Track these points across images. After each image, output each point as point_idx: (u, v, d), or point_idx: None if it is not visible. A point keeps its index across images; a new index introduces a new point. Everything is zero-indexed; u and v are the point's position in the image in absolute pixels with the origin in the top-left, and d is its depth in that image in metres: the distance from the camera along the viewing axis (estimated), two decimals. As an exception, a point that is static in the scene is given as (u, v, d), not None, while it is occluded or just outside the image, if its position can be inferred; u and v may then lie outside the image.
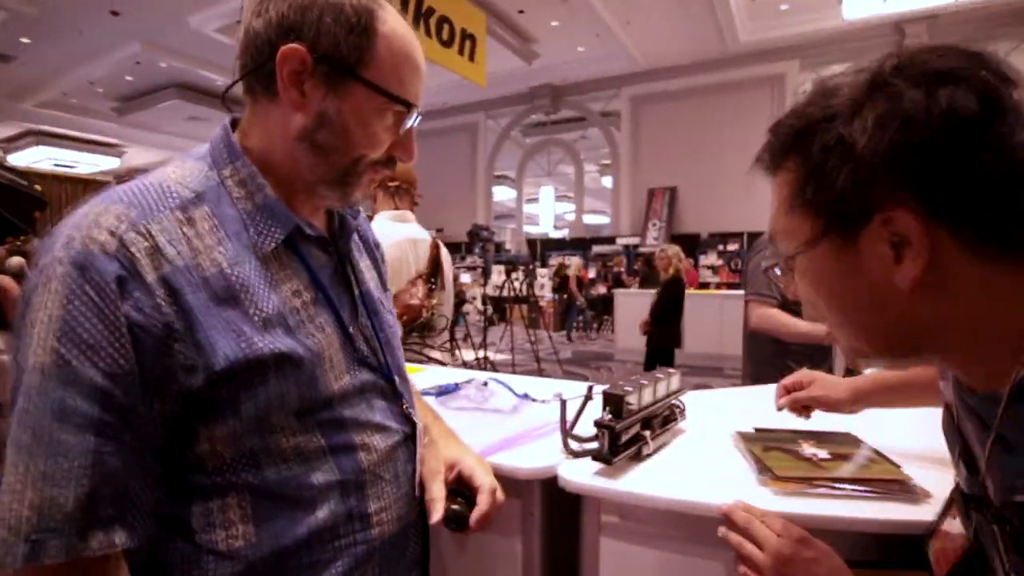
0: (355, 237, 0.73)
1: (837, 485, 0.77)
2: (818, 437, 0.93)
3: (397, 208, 1.90)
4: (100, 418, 0.46)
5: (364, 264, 0.74)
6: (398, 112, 0.61)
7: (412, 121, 0.62)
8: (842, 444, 0.91)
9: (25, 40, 6.75)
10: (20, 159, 9.46)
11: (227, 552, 0.53)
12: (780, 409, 0.99)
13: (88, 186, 8.74)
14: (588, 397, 0.94)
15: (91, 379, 0.46)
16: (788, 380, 0.99)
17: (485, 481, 0.69)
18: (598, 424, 0.85)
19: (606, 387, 0.89)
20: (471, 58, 5.28)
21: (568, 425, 0.91)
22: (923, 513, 0.70)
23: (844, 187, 0.44)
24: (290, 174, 0.61)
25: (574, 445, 0.90)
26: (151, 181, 0.56)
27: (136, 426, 0.49)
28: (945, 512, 0.58)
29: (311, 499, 0.56)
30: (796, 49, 8.33)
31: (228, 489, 0.53)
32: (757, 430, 1.00)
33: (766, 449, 0.88)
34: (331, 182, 0.61)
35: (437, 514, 0.65)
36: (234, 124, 0.63)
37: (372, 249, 0.79)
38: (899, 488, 0.76)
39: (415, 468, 0.68)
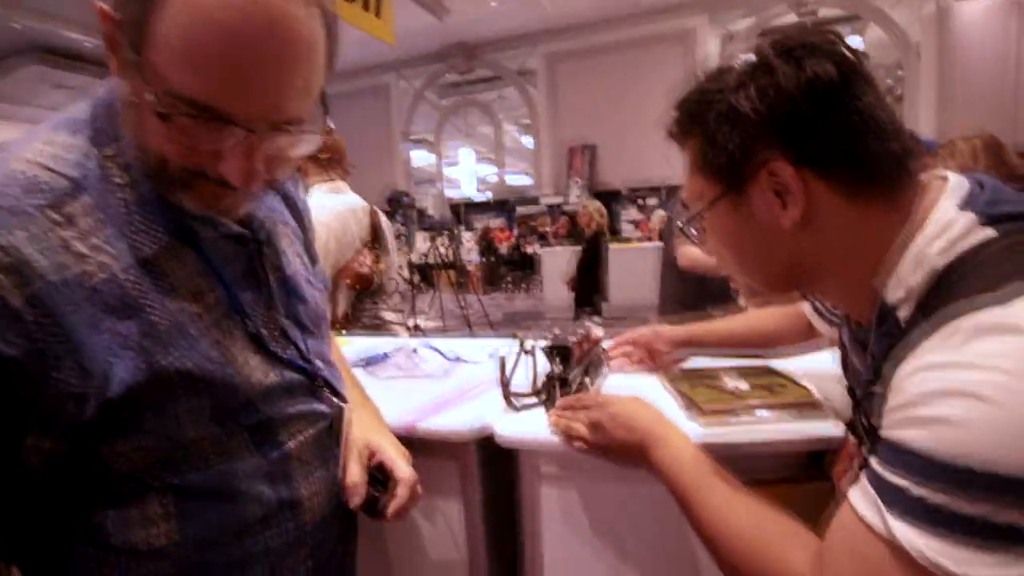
0: (277, 203, 0.66)
1: (758, 412, 0.82)
2: (739, 371, 0.98)
3: (331, 180, 1.88)
4: None
5: (287, 240, 0.65)
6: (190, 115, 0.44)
7: (233, 136, 0.45)
8: (760, 375, 0.96)
9: None
10: None
11: (148, 551, 0.49)
12: (617, 360, 1.10)
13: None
14: (524, 351, 0.93)
15: None
16: (630, 335, 1.10)
17: (406, 472, 0.68)
18: (550, 376, 0.88)
19: (545, 341, 0.90)
20: (377, 14, 4.96)
21: (506, 380, 0.91)
22: (837, 430, 0.76)
23: (734, 149, 0.51)
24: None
25: (516, 401, 0.90)
26: (15, 167, 0.45)
27: None
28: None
29: (239, 493, 0.53)
30: (705, 4, 8.50)
31: (147, 491, 0.49)
32: (683, 371, 1.04)
33: (693, 387, 0.92)
34: (160, 185, 0.49)
35: (357, 499, 0.64)
36: None
37: (299, 214, 0.70)
38: (811, 408, 0.82)
39: (342, 451, 0.65)
